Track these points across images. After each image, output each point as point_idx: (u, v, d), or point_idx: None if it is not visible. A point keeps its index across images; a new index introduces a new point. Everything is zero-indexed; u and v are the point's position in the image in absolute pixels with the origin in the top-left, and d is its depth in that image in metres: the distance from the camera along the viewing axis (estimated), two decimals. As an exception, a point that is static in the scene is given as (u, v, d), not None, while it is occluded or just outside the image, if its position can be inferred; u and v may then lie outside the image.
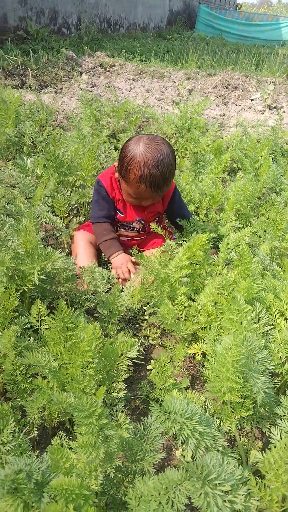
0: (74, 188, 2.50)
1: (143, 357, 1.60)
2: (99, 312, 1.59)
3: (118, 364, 1.27)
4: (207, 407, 1.30)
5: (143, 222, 2.11)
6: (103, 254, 2.12)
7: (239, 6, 22.09)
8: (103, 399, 1.23)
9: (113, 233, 2.08)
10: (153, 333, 1.68)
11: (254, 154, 2.96)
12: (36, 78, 6.17)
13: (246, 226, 2.33)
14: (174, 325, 1.47)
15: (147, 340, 1.66)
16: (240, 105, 6.20)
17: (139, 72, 7.48)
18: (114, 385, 1.25)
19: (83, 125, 3.54)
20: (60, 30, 9.23)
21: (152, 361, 1.52)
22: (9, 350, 1.26)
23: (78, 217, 2.24)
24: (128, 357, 1.28)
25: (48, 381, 1.17)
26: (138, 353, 1.33)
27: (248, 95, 6.40)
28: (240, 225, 2.34)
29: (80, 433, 0.94)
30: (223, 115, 5.52)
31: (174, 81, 7.20)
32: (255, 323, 1.41)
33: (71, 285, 1.60)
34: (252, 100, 6.28)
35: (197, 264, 1.71)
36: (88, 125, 3.54)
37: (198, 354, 1.43)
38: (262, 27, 14.15)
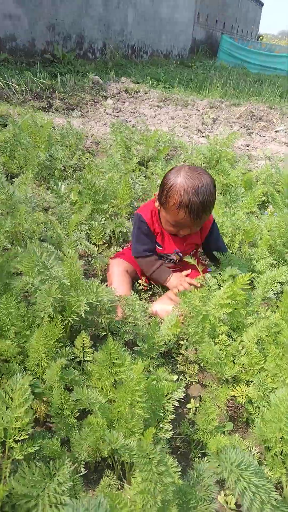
0: (107, 216, 2.53)
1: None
2: (139, 346, 1.59)
3: (163, 404, 1.26)
4: (253, 454, 1.27)
5: (180, 255, 2.13)
6: (142, 280, 2.16)
7: (261, 37, 22.62)
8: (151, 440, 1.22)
9: (159, 261, 2.12)
10: (190, 369, 1.67)
11: (286, 190, 2.98)
12: (63, 101, 6.34)
13: (280, 263, 2.33)
14: (216, 366, 1.46)
15: (185, 377, 1.65)
16: (264, 136, 6.27)
17: (163, 99, 7.64)
18: (161, 425, 1.24)
19: (113, 152, 3.62)
20: (85, 55, 9.53)
21: (192, 400, 1.50)
22: (56, 382, 1.26)
23: (112, 247, 2.27)
24: (174, 398, 1.27)
25: (97, 418, 1.16)
26: (184, 394, 1.32)
27: (273, 126, 6.48)
28: (274, 261, 2.34)
29: (134, 477, 0.93)
30: (248, 146, 5.59)
31: (198, 109, 7.33)
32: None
33: (112, 316, 1.60)
34: (276, 131, 6.36)
35: (237, 303, 1.71)
36: (118, 152, 3.61)
37: (242, 397, 1.42)
38: (284, 59, 14.42)
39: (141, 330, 1.62)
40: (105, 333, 1.63)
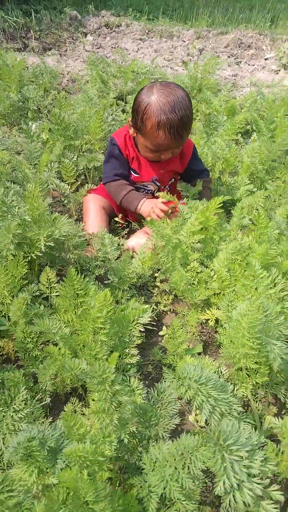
0: (81, 153, 2.42)
1: (155, 323, 1.57)
2: (110, 279, 1.56)
3: (130, 330, 1.25)
4: (221, 373, 1.27)
5: (158, 184, 2.03)
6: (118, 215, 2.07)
7: None
8: (115, 365, 1.22)
9: (129, 186, 1.98)
10: (164, 299, 1.65)
11: (269, 115, 2.82)
12: (39, 40, 5.94)
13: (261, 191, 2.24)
14: (187, 292, 1.43)
15: (158, 307, 1.63)
16: (253, 65, 5.92)
17: (146, 31, 7.15)
18: (127, 351, 1.23)
19: (89, 87, 3.41)
20: (63, -12, 8.81)
21: (164, 327, 1.49)
22: (19, 318, 1.24)
23: (87, 185, 2.18)
24: (140, 323, 1.25)
25: (60, 348, 1.15)
26: (150, 319, 1.30)
27: (262, 54, 6.10)
28: (255, 189, 2.25)
29: (93, 400, 0.93)
30: (236, 75, 5.28)
31: (183, 41, 6.87)
32: (270, 288, 1.37)
33: (80, 252, 1.56)
34: (266, 59, 5.99)
35: (210, 229, 1.65)
36: (94, 87, 3.41)
37: (212, 320, 1.40)
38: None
39: (112, 264, 1.58)
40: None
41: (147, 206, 1.89)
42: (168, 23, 7.85)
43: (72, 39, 6.42)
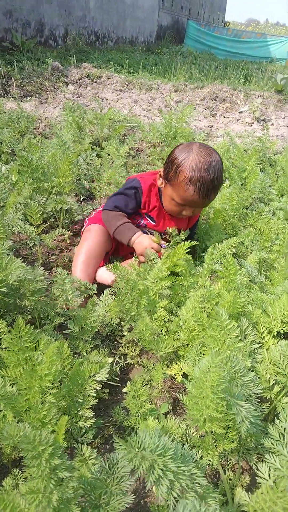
0: (51, 195, 2.36)
1: (119, 379, 1.44)
2: (70, 329, 1.44)
3: (85, 389, 1.12)
4: (189, 437, 1.14)
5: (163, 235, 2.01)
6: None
7: (227, 23, 22.49)
8: (67, 429, 1.08)
9: (127, 218, 1.91)
10: (131, 351, 1.52)
11: (241, 164, 2.85)
12: (20, 87, 6.07)
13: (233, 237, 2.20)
14: (152, 343, 1.32)
15: (122, 360, 1.51)
16: (228, 117, 6.16)
17: (126, 83, 7.44)
18: (81, 413, 1.09)
19: (64, 132, 3.43)
20: (47, 42, 9.22)
21: (129, 383, 1.36)
22: None
23: (58, 229, 2.10)
24: (96, 381, 1.13)
25: (1, 410, 1.01)
26: (108, 376, 1.17)
27: (237, 107, 6.37)
28: (227, 236, 2.22)
29: (30, 475, 0.79)
30: (211, 127, 5.46)
31: (162, 93, 7.16)
32: (240, 340, 1.27)
33: (37, 298, 1.44)
34: (240, 112, 6.25)
35: (179, 275, 1.57)
36: (70, 132, 3.42)
37: (178, 375, 1.28)
38: (250, 44, 14.36)
39: (73, 312, 1.47)
40: (31, 318, 1.47)
41: (143, 241, 1.81)
42: (147, 76, 8.21)
43: (54, 87, 6.60)
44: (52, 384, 1.00)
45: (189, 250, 1.62)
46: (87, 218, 2.14)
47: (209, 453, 1.01)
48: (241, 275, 1.61)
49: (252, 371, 1.21)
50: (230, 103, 6.52)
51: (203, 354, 1.22)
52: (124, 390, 1.37)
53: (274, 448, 0.97)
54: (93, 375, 1.13)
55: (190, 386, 0.97)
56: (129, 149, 3.48)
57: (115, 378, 1.41)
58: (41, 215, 2.08)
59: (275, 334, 1.29)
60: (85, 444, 1.00)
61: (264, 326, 1.32)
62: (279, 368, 1.14)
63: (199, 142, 1.86)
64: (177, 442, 1.03)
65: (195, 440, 1.10)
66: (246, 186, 2.72)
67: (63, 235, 2.25)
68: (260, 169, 3.21)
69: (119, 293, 1.44)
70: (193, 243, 1.55)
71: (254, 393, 1.10)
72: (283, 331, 1.27)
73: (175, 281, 1.54)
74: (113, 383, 1.40)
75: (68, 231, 2.31)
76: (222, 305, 1.33)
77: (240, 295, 1.37)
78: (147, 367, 1.40)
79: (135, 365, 1.52)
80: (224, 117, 6.20)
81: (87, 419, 1.09)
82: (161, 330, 1.44)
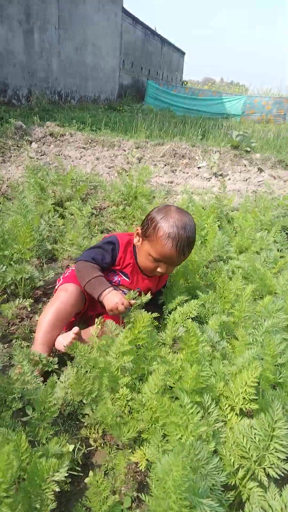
0: (11, 262, 2.32)
1: (81, 464, 1.36)
2: (28, 415, 1.37)
3: (43, 491, 1.04)
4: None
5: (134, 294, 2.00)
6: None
7: (185, 82, 24.07)
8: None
9: (101, 272, 1.92)
10: (93, 433, 1.46)
11: (200, 222, 2.95)
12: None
13: (194, 297, 2.22)
14: (115, 428, 1.27)
15: (84, 446, 1.43)
16: (187, 173, 6.43)
17: (89, 141, 7.68)
18: (38, 518, 1.01)
19: (26, 194, 3.45)
20: (10, 102, 9.48)
21: (91, 473, 1.29)
22: None
23: (18, 299, 2.05)
24: (55, 481, 1.06)
25: None
26: (67, 474, 1.10)
27: (195, 163, 6.68)
28: (189, 297, 2.24)
29: None
30: (171, 182, 5.67)
31: (124, 150, 7.42)
32: (203, 423, 1.25)
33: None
34: (199, 168, 6.56)
35: (140, 348, 1.55)
36: (32, 193, 3.45)
37: (142, 462, 1.23)
38: (207, 102, 15.35)
39: (32, 395, 1.40)
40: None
41: (114, 297, 1.78)
42: (110, 134, 8.52)
43: (17, 146, 6.71)
44: (7, 492, 0.93)
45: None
46: (61, 276, 2.11)
47: None
48: (203, 342, 1.61)
49: (216, 452, 1.18)
50: (189, 159, 6.83)
51: (167, 440, 1.18)
52: (86, 480, 1.29)
53: None
54: (52, 474, 1.06)
55: (153, 487, 0.92)
56: (92, 208, 3.53)
57: (77, 468, 1.33)
58: (0, 285, 2.03)
59: (238, 412, 1.27)
60: None
61: (226, 403, 1.30)
62: (243, 451, 1.12)
63: (174, 205, 2.00)
64: None
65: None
66: (205, 243, 2.80)
67: (24, 303, 2.20)
68: (219, 226, 3.32)
69: (79, 374, 1.39)
70: (154, 315, 1.55)
71: (219, 481, 1.06)
72: (245, 408, 1.26)
73: (137, 354, 1.52)
74: (75, 473, 1.32)
75: (29, 298, 2.27)
76: (185, 381, 1.31)
77: (202, 368, 1.37)
78: (110, 453, 1.33)
79: (98, 448, 1.45)
80: (183, 172, 6.47)
81: (45, 526, 1.01)
82: (123, 409, 1.39)
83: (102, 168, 6.02)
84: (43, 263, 2.79)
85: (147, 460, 1.23)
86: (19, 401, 1.42)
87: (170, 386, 1.43)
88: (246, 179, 6.34)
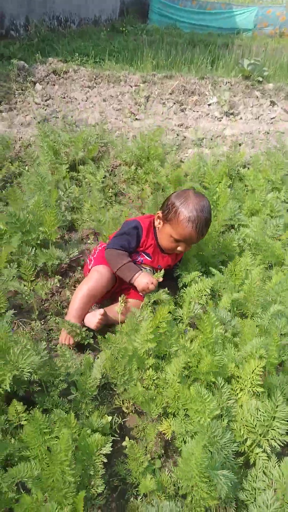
0: (37, 243, 2.52)
1: (119, 431, 1.70)
2: (73, 393, 1.68)
3: (94, 461, 1.37)
4: (178, 487, 1.42)
5: (154, 271, 2.30)
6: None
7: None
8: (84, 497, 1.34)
9: (129, 258, 2.20)
10: (126, 402, 1.78)
11: (212, 186, 3.06)
12: (-11, 93, 6.01)
13: (209, 273, 2.43)
14: (145, 405, 1.57)
15: (120, 417, 1.76)
16: (197, 111, 6.28)
17: (94, 77, 7.38)
18: (93, 482, 1.35)
19: (41, 160, 3.54)
20: (8, 33, 8.96)
21: (127, 438, 1.62)
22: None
23: (50, 279, 2.30)
24: (102, 454, 1.38)
25: (32, 494, 1.25)
26: (112, 449, 1.42)
27: (205, 99, 6.48)
28: (203, 269, 2.45)
29: None
30: (181, 125, 5.59)
31: (130, 85, 7.15)
32: (216, 397, 1.54)
33: (43, 371, 1.67)
34: (209, 105, 6.37)
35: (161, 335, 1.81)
36: (47, 160, 3.53)
37: (168, 434, 1.55)
38: (216, 16, 14.13)
39: (73, 377, 1.71)
40: (39, 388, 1.70)
41: (144, 279, 2.10)
42: (114, 65, 8.14)
43: (21, 89, 6.54)
44: (70, 466, 1.25)
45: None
46: (92, 256, 2.37)
47: (196, 510, 1.29)
48: (216, 324, 1.86)
49: (228, 426, 1.49)
50: (198, 95, 6.61)
51: (188, 416, 1.48)
52: (124, 443, 1.63)
53: (249, 500, 1.26)
54: (99, 448, 1.38)
55: (180, 462, 1.23)
56: (105, 171, 3.63)
57: (115, 435, 1.66)
58: (33, 271, 2.27)
59: (246, 393, 1.56)
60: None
61: (237, 386, 1.59)
62: (251, 427, 1.42)
63: (192, 190, 2.23)
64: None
65: (184, 490, 1.37)
66: (217, 209, 2.95)
67: (54, 280, 2.45)
68: (230, 185, 3.42)
69: (112, 360, 1.68)
70: (171, 307, 1.80)
71: (232, 450, 1.38)
72: (253, 391, 1.54)
73: (159, 340, 1.79)
74: (113, 438, 1.66)
75: (57, 274, 2.52)
76: (202, 366, 1.59)
77: (216, 354, 1.63)
78: (141, 422, 1.66)
79: (130, 414, 1.78)
80: (193, 111, 6.31)
81: (98, 486, 1.35)
82: (150, 387, 1.69)
83: (109, 111, 5.90)
84: (64, 234, 2.98)
85: (172, 431, 1.55)
86: (64, 382, 1.73)
87: (189, 366, 1.72)
88: (258, 117, 6.19)
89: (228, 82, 7.41)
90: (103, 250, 2.28)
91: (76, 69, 7.56)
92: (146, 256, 2.30)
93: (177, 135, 5.22)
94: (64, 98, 6.47)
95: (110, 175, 3.75)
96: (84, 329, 2.03)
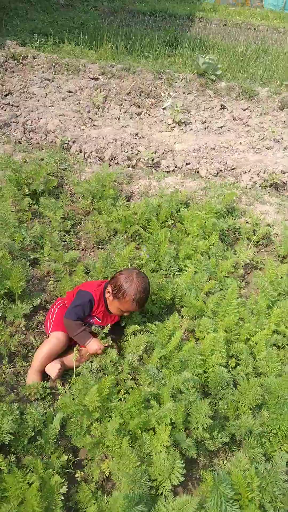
0: (3, 296, 3.02)
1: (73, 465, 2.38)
2: (38, 440, 2.32)
3: (55, 498, 2.05)
4: None
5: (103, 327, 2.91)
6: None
7: None
8: None
9: (83, 326, 2.81)
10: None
11: (155, 234, 3.65)
12: None
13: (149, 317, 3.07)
14: (90, 452, 2.25)
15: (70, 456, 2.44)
16: (152, 116, 6.64)
17: (53, 64, 7.40)
18: (53, 513, 2.03)
19: (5, 193, 3.90)
20: None
21: (78, 471, 2.30)
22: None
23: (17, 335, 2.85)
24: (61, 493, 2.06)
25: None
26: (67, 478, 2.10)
27: (160, 103, 6.82)
28: (144, 319, 3.09)
29: None
30: (136, 134, 5.97)
31: (89, 77, 7.28)
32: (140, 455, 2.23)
33: (16, 426, 2.28)
34: (164, 109, 6.73)
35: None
36: (10, 192, 3.89)
37: (106, 472, 2.25)
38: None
39: (39, 428, 2.34)
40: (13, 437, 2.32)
41: (94, 345, 2.77)
42: (74, 48, 8.15)
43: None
44: (38, 506, 1.91)
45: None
46: (50, 319, 2.91)
47: None
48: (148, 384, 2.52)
49: (145, 470, 2.20)
50: (154, 97, 6.93)
51: (121, 460, 2.18)
52: (76, 476, 2.31)
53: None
54: (58, 490, 2.05)
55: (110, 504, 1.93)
56: (65, 201, 4.09)
57: (71, 468, 2.34)
58: (3, 327, 2.81)
59: (159, 445, 2.27)
60: None
61: (153, 439, 2.29)
62: (160, 471, 2.14)
63: (134, 270, 2.84)
64: None
65: None
66: (159, 257, 3.57)
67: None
68: (171, 227, 4.03)
69: (67, 418, 2.32)
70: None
71: (147, 487, 2.09)
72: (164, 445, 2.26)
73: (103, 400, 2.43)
74: (68, 471, 2.34)
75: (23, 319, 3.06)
76: (132, 424, 2.26)
77: (142, 413, 2.31)
78: (88, 464, 2.34)
79: (82, 449, 2.46)
80: (149, 115, 6.67)
81: (58, 515, 2.03)
82: (96, 434, 2.36)
83: (68, 114, 6.12)
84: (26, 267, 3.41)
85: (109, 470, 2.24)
86: (32, 431, 2.36)
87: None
88: (207, 126, 6.66)
89: (184, 79, 7.73)
90: (59, 313, 2.86)
91: (35, 54, 7.55)
92: (96, 319, 2.93)
93: (132, 148, 5.63)
94: (24, 93, 6.58)
95: (68, 205, 4.20)
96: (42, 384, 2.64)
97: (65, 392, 2.67)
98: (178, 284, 3.35)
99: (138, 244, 3.87)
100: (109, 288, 2.85)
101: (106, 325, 2.90)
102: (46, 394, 2.64)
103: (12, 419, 2.22)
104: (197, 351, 2.69)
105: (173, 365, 2.66)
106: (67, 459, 2.35)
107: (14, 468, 2.05)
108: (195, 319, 3.20)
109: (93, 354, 2.77)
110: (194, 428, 2.37)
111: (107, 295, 2.88)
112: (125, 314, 2.89)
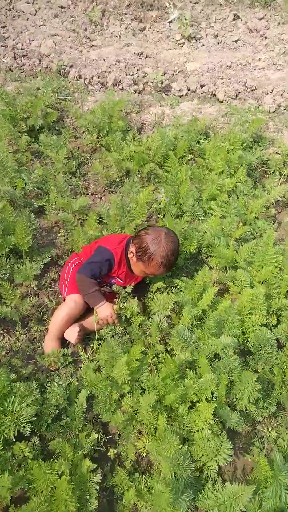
0: (9, 254, 2.63)
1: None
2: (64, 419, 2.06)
3: (89, 487, 1.82)
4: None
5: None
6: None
7: None
8: None
9: (97, 286, 2.44)
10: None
11: (173, 173, 3.17)
12: None
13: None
14: (124, 431, 2.00)
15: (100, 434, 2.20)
16: (158, 31, 5.79)
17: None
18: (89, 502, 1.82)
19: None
20: None
21: (111, 449, 2.07)
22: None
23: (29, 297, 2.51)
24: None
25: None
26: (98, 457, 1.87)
27: (166, 16, 5.91)
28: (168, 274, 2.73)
29: None
30: (141, 54, 5.21)
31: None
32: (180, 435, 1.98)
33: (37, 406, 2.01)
34: (170, 22, 5.84)
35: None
36: (4, 130, 3.36)
37: (143, 451, 2.01)
38: None
39: (63, 405, 2.07)
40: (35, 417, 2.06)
41: (106, 311, 2.38)
42: None
43: None
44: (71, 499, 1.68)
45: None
46: (65, 280, 2.54)
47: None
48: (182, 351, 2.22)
49: (188, 450, 1.95)
50: (158, 9, 5.99)
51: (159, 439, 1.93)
52: (108, 454, 2.08)
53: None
54: (91, 478, 1.82)
55: (154, 495, 1.69)
56: (68, 138, 3.57)
57: (102, 447, 2.11)
58: (12, 290, 2.46)
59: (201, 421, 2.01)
60: None
61: (195, 415, 2.02)
62: (204, 451, 1.89)
63: (162, 229, 2.45)
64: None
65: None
66: (179, 200, 3.13)
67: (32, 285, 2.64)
68: (190, 162, 3.53)
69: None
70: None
71: (190, 469, 1.86)
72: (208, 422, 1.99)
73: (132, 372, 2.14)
74: (100, 449, 2.11)
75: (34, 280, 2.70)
76: (168, 398, 1.99)
77: (178, 386, 2.02)
78: (121, 443, 2.11)
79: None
80: (153, 31, 5.81)
81: (93, 505, 1.81)
82: (127, 409, 2.10)
83: (63, 33, 5.31)
84: (32, 218, 2.97)
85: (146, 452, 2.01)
86: (56, 409, 2.10)
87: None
88: (221, 41, 5.82)
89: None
90: (75, 273, 2.47)
91: None
92: (119, 279, 2.56)
93: (137, 70, 4.92)
94: (10, 10, 5.71)
95: (71, 142, 3.66)
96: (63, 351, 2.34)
97: (88, 358, 2.39)
98: (205, 231, 2.93)
99: (155, 185, 3.39)
100: (132, 249, 2.47)
101: (129, 284, 2.54)
102: (67, 363, 2.36)
103: (32, 401, 1.94)
104: (234, 310, 2.34)
105: (207, 328, 2.33)
106: (97, 437, 2.11)
107: (39, 456, 1.80)
108: (226, 270, 2.83)
109: (102, 320, 2.39)
110: (237, 400, 2.10)
111: (130, 255, 2.50)
112: (150, 276, 2.56)
